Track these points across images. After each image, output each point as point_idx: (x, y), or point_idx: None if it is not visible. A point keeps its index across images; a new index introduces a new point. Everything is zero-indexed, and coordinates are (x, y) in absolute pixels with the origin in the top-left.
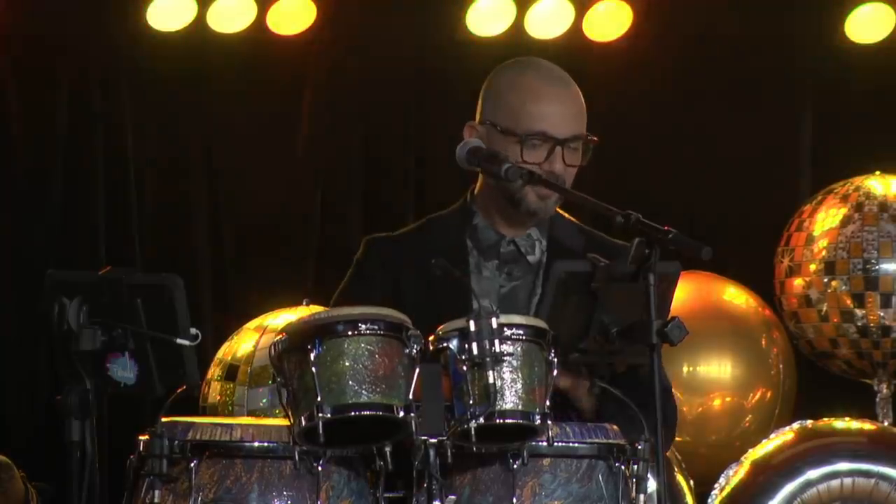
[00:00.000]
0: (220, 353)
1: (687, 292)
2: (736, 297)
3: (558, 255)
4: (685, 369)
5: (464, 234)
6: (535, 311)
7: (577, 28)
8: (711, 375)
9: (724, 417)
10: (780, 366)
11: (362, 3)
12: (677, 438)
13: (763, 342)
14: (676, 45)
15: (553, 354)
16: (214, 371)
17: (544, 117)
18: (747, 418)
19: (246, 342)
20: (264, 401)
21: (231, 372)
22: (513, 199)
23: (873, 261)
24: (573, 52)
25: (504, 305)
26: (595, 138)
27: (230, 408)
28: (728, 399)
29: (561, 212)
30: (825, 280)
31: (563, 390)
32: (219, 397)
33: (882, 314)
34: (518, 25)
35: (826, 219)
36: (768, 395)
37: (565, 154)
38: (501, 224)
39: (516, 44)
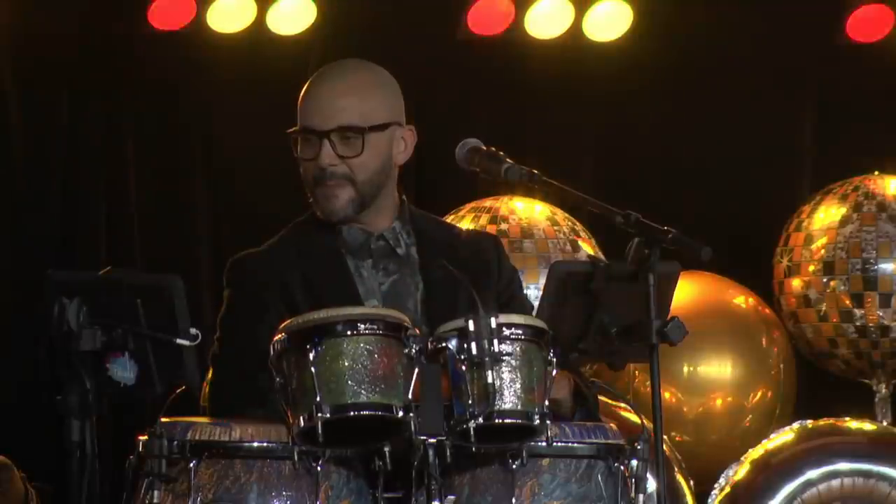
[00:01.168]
0: None
1: (687, 292)
2: (736, 297)
3: (428, 246)
4: (685, 369)
5: (333, 239)
6: (421, 307)
7: (577, 28)
8: (711, 375)
9: (725, 417)
10: (781, 366)
11: (362, 3)
12: (677, 438)
13: (763, 342)
14: (676, 44)
15: (552, 354)
16: None
17: (308, 113)
18: (747, 418)
19: None
20: None
21: None
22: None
23: (872, 261)
24: (573, 52)
25: (389, 303)
26: (377, 125)
27: None
28: (728, 399)
29: (411, 206)
30: (824, 280)
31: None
32: None
33: (881, 314)
34: (518, 25)
35: (825, 219)
36: (768, 395)
37: (337, 146)
38: (364, 222)
39: (516, 44)
